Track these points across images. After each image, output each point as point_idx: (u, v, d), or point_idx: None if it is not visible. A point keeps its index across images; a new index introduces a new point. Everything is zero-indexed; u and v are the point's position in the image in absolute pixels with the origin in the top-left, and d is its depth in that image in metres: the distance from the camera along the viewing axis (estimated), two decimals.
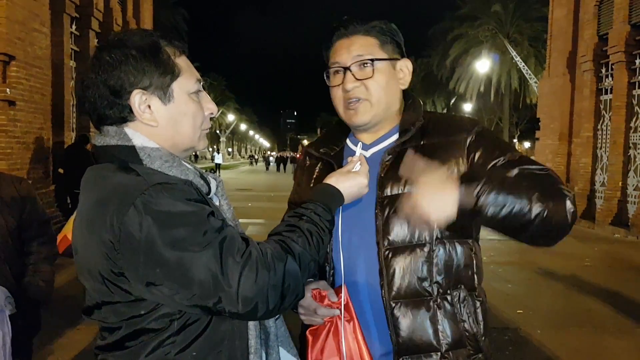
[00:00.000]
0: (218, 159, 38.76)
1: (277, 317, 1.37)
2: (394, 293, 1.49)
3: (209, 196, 1.29)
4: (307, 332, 1.51)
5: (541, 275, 7.17)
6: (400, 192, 1.51)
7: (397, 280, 1.50)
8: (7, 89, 7.37)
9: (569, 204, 1.38)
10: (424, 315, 1.50)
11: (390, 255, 1.51)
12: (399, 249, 1.51)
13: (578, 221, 12.61)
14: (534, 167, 1.45)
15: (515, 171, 1.42)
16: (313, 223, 1.28)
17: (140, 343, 1.18)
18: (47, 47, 8.60)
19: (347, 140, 1.71)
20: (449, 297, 1.51)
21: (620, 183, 11.67)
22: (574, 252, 9.10)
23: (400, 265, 1.50)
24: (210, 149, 67.13)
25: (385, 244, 1.51)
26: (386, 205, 1.52)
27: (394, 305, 1.50)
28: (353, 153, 1.61)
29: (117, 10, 12.05)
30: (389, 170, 1.54)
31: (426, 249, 1.51)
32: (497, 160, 1.48)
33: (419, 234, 1.51)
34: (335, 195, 1.40)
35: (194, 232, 1.10)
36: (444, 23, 40.06)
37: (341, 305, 1.46)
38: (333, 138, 1.74)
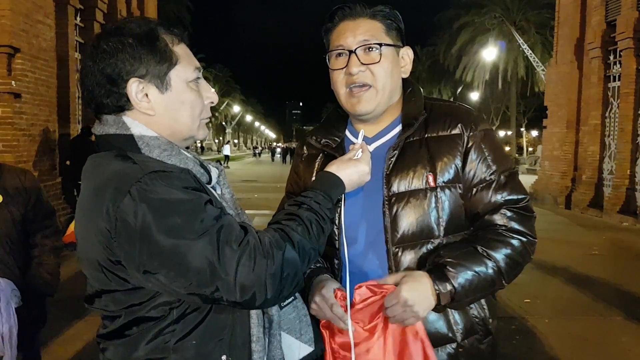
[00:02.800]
0: (226, 150, 39.36)
1: (286, 304, 1.36)
2: None
3: (210, 185, 1.29)
4: (321, 326, 1.49)
5: (548, 264, 7.13)
6: (407, 189, 1.51)
7: None
8: (13, 82, 7.37)
9: (527, 258, 1.52)
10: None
11: (399, 253, 1.50)
12: (408, 245, 1.50)
13: (586, 210, 12.58)
14: (513, 199, 1.52)
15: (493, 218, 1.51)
16: (313, 211, 1.27)
17: (140, 331, 1.18)
18: (51, 39, 8.58)
19: (347, 132, 1.67)
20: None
21: (628, 171, 11.58)
22: (581, 241, 9.07)
23: (410, 261, 1.50)
24: (217, 141, 67.15)
25: (395, 241, 1.50)
26: (394, 203, 1.50)
27: None
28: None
29: (122, 2, 11.99)
30: (394, 166, 1.52)
31: (435, 244, 1.51)
32: (485, 179, 1.52)
33: (428, 230, 1.50)
34: (336, 183, 1.39)
35: (190, 220, 1.09)
36: (449, 11, 39.79)
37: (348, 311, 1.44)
38: (333, 127, 1.70)
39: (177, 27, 1.28)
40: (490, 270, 1.46)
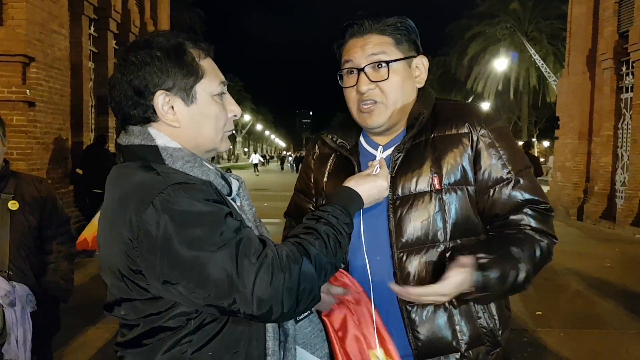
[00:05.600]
0: (255, 159, 41.25)
1: (302, 318, 1.36)
2: None
3: (231, 197, 1.30)
4: (322, 316, 1.50)
5: (560, 276, 7.07)
6: (411, 191, 1.49)
7: (412, 283, 1.47)
8: (27, 90, 7.48)
9: (549, 259, 1.50)
10: (442, 316, 1.49)
11: (404, 258, 1.48)
12: (413, 250, 1.48)
13: (598, 221, 12.46)
14: (534, 199, 1.50)
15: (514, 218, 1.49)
16: (331, 226, 1.27)
17: (158, 341, 1.19)
18: (66, 49, 8.70)
19: (361, 138, 1.66)
20: (462, 295, 1.49)
21: None
22: (594, 253, 8.98)
23: (415, 267, 1.48)
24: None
25: (399, 246, 1.48)
26: (399, 207, 1.49)
27: (410, 309, 1.48)
28: (366, 152, 1.60)
29: (135, 12, 12.14)
30: (399, 168, 1.51)
31: (440, 249, 1.49)
32: (502, 178, 1.49)
33: (433, 234, 1.48)
34: (355, 198, 1.39)
35: (211, 232, 1.10)
36: (461, 21, 39.83)
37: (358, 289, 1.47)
38: (348, 129, 1.68)
39: (204, 42, 1.31)
40: (522, 273, 1.42)
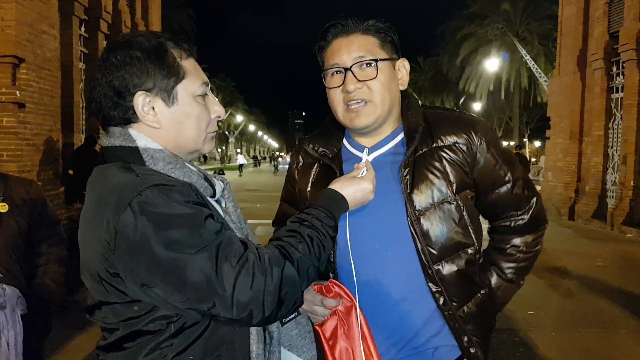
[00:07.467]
0: (241, 159, 40.56)
1: (288, 320, 1.35)
2: (455, 303, 1.50)
3: (215, 198, 1.28)
4: (315, 326, 1.49)
5: (552, 275, 7.11)
6: (432, 203, 1.49)
7: (455, 290, 1.51)
8: (17, 92, 7.41)
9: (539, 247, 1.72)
10: (486, 307, 1.59)
11: (442, 270, 1.49)
12: (448, 260, 1.50)
13: (589, 221, 12.53)
14: (532, 194, 1.67)
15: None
16: (314, 229, 1.25)
17: (138, 344, 1.17)
18: (56, 50, 8.63)
19: (345, 142, 1.65)
20: (487, 282, 1.65)
21: (632, 182, 11.55)
22: (585, 252, 9.03)
23: (452, 276, 1.50)
24: (219, 150, 67.23)
25: (434, 259, 1.48)
26: (423, 222, 1.49)
27: (462, 315, 1.51)
28: (352, 155, 1.59)
29: (126, 12, 12.07)
30: (413, 183, 1.50)
31: (470, 252, 1.54)
32: (504, 180, 1.60)
33: (462, 240, 1.52)
34: (339, 201, 1.37)
35: (190, 234, 1.09)
36: (453, 22, 39.94)
37: (355, 300, 1.44)
38: (330, 136, 1.67)
39: (186, 42, 1.29)
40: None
